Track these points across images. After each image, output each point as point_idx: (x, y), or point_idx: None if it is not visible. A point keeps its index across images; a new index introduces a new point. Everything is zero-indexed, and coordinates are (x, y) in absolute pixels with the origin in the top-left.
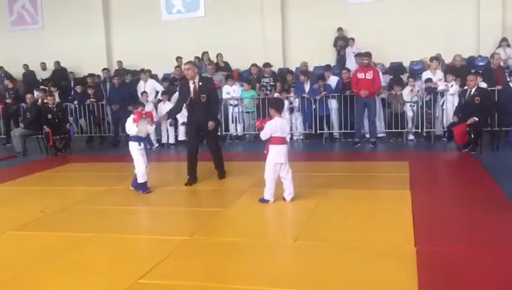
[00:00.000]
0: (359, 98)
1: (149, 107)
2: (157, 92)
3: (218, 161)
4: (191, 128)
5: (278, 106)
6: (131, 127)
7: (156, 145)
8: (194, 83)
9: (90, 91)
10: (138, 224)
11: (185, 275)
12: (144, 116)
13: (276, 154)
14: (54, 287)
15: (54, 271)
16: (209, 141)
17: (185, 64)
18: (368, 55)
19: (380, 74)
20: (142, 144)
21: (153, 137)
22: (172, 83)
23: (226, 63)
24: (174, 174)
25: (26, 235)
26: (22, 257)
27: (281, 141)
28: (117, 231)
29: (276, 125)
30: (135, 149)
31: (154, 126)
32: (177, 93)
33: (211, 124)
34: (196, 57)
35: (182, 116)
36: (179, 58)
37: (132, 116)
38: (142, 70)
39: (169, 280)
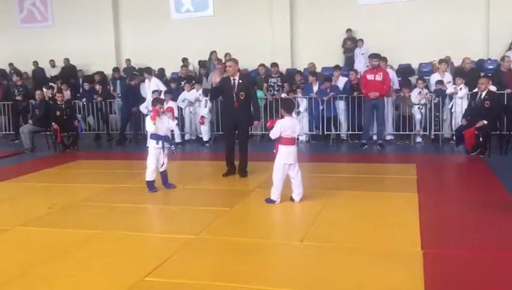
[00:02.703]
0: (367, 100)
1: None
2: (159, 92)
3: (244, 160)
4: (229, 124)
5: (288, 106)
6: (148, 124)
7: (179, 140)
8: (234, 79)
9: (98, 87)
10: (145, 222)
11: (190, 273)
12: (162, 112)
13: (286, 155)
14: (60, 283)
15: (61, 267)
16: (240, 140)
17: (227, 61)
18: (378, 56)
19: (395, 75)
20: (160, 143)
21: (176, 133)
22: (179, 83)
23: None
24: (180, 173)
25: (33, 231)
26: (29, 253)
27: (290, 141)
28: (124, 229)
29: (286, 125)
30: (152, 147)
31: (176, 121)
32: (183, 93)
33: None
34: (227, 54)
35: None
36: (185, 60)
37: (150, 113)
38: (149, 69)
39: (175, 278)
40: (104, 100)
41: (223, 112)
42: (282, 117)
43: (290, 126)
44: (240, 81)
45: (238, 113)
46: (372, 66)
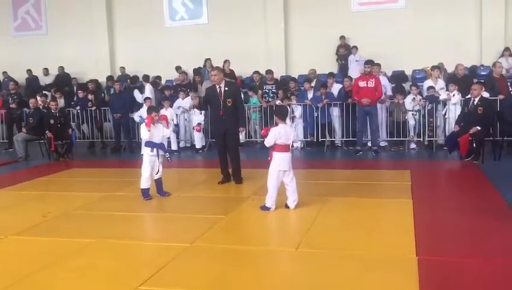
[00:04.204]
0: (360, 107)
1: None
2: (151, 99)
3: (236, 167)
4: (218, 131)
5: (282, 114)
6: (143, 132)
7: (175, 148)
8: (220, 87)
9: (90, 97)
10: (139, 230)
11: (186, 281)
12: (157, 120)
13: (280, 162)
14: None
15: (55, 277)
16: (229, 146)
17: (212, 70)
18: (370, 62)
19: (387, 81)
20: (154, 151)
21: (173, 140)
22: (175, 90)
23: (232, 71)
24: (175, 180)
25: (27, 240)
26: (23, 262)
27: (284, 148)
28: (118, 237)
29: (281, 132)
30: (146, 155)
31: (170, 129)
32: (178, 100)
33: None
34: (226, 60)
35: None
36: (179, 68)
37: (144, 121)
38: (146, 76)
39: (170, 287)
40: (98, 108)
41: (211, 120)
42: (277, 124)
43: (284, 133)
44: (226, 88)
45: (225, 120)
46: (364, 73)
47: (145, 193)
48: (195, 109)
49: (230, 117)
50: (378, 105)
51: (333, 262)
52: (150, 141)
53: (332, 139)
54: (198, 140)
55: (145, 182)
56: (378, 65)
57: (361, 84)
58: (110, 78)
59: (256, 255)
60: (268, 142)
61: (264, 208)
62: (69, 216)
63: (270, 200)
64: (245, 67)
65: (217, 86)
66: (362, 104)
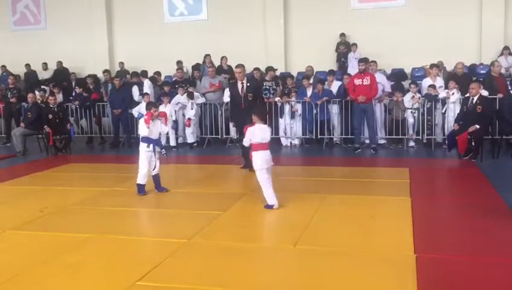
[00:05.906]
0: (357, 104)
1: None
2: (149, 95)
3: (244, 157)
4: (240, 124)
5: (261, 114)
6: (142, 128)
7: (174, 144)
8: (242, 83)
9: (85, 94)
10: (137, 226)
11: (183, 277)
12: (156, 116)
13: (261, 160)
14: (52, 287)
15: (52, 272)
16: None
17: (236, 67)
18: (364, 60)
19: (385, 79)
20: (151, 146)
21: (172, 137)
22: (174, 86)
23: (230, 67)
24: (173, 176)
25: (25, 234)
26: (20, 257)
27: (262, 146)
28: (116, 233)
29: (255, 132)
30: (143, 150)
31: (168, 126)
32: (177, 96)
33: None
34: (223, 57)
35: (188, 113)
36: (179, 63)
37: (144, 117)
38: (145, 72)
39: (168, 283)
40: (96, 104)
41: (232, 115)
42: (254, 124)
43: (259, 133)
44: (248, 84)
45: (246, 113)
46: (359, 70)
47: (141, 188)
48: (188, 104)
49: (250, 110)
50: (373, 102)
51: (331, 259)
52: (146, 137)
53: (331, 136)
54: (189, 135)
55: (142, 178)
56: (374, 62)
57: (357, 82)
58: (106, 71)
59: (254, 252)
60: (245, 141)
61: (268, 206)
62: (66, 211)
63: (270, 198)
64: (244, 63)
65: (239, 82)
66: (358, 101)
